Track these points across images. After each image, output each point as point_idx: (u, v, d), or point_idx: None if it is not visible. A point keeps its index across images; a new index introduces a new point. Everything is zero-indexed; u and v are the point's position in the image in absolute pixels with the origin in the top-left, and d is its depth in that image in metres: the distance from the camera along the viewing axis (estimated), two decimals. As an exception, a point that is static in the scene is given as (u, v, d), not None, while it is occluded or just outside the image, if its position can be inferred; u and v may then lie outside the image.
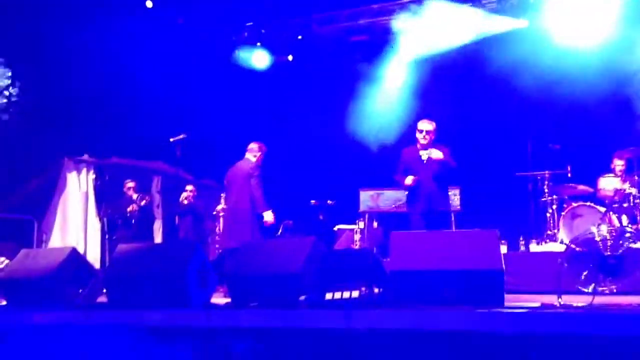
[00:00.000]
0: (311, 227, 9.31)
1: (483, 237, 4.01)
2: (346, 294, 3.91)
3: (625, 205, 6.94)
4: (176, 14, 9.50)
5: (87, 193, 9.66)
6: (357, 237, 9.44)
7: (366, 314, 3.50)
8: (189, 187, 8.99)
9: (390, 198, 9.43)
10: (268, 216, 6.85)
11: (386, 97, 9.63)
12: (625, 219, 6.95)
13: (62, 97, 8.75)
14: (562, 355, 3.00)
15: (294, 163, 10.19)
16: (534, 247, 7.57)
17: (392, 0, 9.53)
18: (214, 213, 8.99)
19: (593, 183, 7.70)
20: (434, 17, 8.98)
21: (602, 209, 7.15)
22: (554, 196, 7.91)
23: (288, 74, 10.81)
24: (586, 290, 3.90)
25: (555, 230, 7.68)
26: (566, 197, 7.86)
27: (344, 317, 3.46)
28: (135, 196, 8.56)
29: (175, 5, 9.53)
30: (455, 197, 8.86)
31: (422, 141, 6.49)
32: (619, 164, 7.62)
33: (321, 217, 9.69)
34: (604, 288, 3.85)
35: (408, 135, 6.88)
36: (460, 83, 9.40)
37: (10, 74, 8.60)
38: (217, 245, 8.90)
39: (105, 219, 8.90)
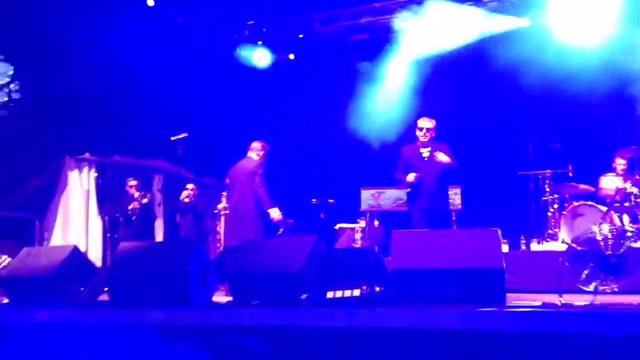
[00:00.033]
0: (312, 226, 9.32)
1: (484, 235, 4.01)
2: (347, 293, 3.91)
3: (626, 204, 6.93)
4: (177, 13, 9.50)
5: (88, 191, 9.67)
6: (358, 235, 9.45)
7: (367, 312, 3.51)
8: (190, 186, 9.00)
9: (391, 197, 9.43)
10: (275, 213, 6.89)
11: (387, 96, 9.62)
12: (626, 218, 6.94)
13: (64, 95, 8.75)
14: (563, 355, 3.00)
15: (295, 162, 10.19)
16: (535, 246, 7.57)
17: (393, -1, 9.54)
18: (215, 212, 9.00)
19: (594, 182, 7.70)
20: (435, 16, 8.98)
21: (604, 208, 7.14)
22: (555, 195, 7.91)
23: (289, 72, 10.81)
24: (587, 289, 3.90)
25: (557, 230, 7.67)
26: (567, 196, 7.86)
27: (345, 316, 3.46)
28: (137, 194, 8.57)
29: (177, 4, 9.53)
30: (456, 195, 8.86)
31: (422, 139, 6.51)
32: (620, 163, 7.61)
33: (322, 216, 9.70)
34: (605, 287, 3.84)
35: (409, 134, 6.88)
36: (462, 82, 9.39)
37: (11, 72, 8.61)
38: (218, 244, 8.91)
39: (106, 218, 8.91)
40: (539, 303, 3.81)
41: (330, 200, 9.72)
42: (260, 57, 10.64)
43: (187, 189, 8.98)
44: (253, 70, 10.61)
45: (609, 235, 3.86)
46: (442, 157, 6.32)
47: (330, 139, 9.82)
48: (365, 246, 9.00)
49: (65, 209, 9.41)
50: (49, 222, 9.19)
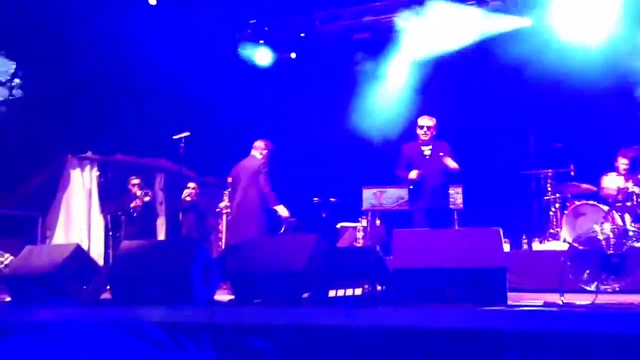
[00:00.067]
0: (314, 225, 9.32)
1: (486, 235, 4.01)
2: (349, 292, 3.92)
3: (628, 204, 6.92)
4: (180, 11, 9.50)
5: (90, 190, 9.69)
6: (359, 234, 9.45)
7: (369, 311, 3.51)
8: (191, 185, 9.00)
9: (393, 196, 9.43)
10: (281, 210, 6.95)
11: (389, 95, 9.62)
12: (628, 218, 6.93)
13: (66, 94, 8.76)
14: (564, 354, 3.01)
15: (297, 161, 10.19)
16: (536, 246, 7.57)
17: (395, -2, 9.53)
18: (217, 210, 9.00)
19: (596, 182, 7.69)
20: (436, 15, 8.97)
21: (605, 208, 7.14)
22: (557, 195, 7.91)
23: (291, 71, 10.81)
24: (589, 288, 3.90)
25: (558, 229, 7.67)
26: (569, 196, 7.85)
27: (346, 315, 3.47)
28: (139, 193, 8.58)
29: (179, 3, 9.53)
30: (458, 195, 8.86)
31: (423, 137, 6.53)
32: (623, 163, 7.60)
33: (324, 215, 9.70)
34: (607, 287, 3.84)
35: (411, 133, 6.89)
36: (464, 81, 9.38)
37: (13, 68, 8.61)
38: (220, 243, 8.92)
39: (108, 216, 8.93)
40: (540, 302, 3.82)
41: (332, 199, 9.73)
42: (262, 56, 10.64)
43: (188, 187, 8.98)
44: (255, 69, 10.62)
45: (611, 235, 3.86)
46: (450, 163, 6.36)
47: (332, 138, 9.82)
48: (366, 245, 9.00)
49: (67, 208, 9.42)
50: (51, 221, 9.21)
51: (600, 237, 3.87)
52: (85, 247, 7.41)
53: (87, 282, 4.82)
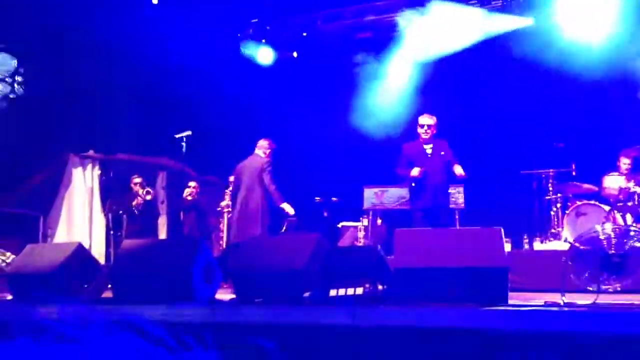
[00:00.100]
0: (315, 224, 9.32)
1: (487, 234, 4.01)
2: (350, 291, 3.92)
3: (629, 204, 6.92)
4: (182, 10, 9.50)
5: (92, 189, 9.70)
6: (361, 234, 9.45)
7: (370, 310, 3.52)
8: (192, 184, 9.01)
9: (394, 195, 9.43)
10: (288, 208, 7.01)
11: (391, 95, 9.61)
12: (629, 218, 6.93)
13: (68, 92, 8.77)
14: (565, 354, 3.01)
15: (298, 160, 10.19)
16: (537, 245, 7.56)
17: (397, -3, 9.52)
18: (218, 209, 9.01)
19: (598, 181, 7.68)
20: (439, 15, 8.96)
21: (607, 208, 7.13)
22: (559, 194, 7.90)
23: (292, 70, 10.81)
24: (590, 288, 3.90)
25: (560, 229, 7.67)
26: (570, 196, 7.85)
27: (347, 314, 3.47)
28: (141, 191, 8.59)
29: (181, 2, 9.53)
30: (459, 194, 8.86)
31: (424, 136, 6.56)
32: (625, 163, 7.59)
33: (325, 214, 9.70)
34: (608, 286, 3.84)
35: (413, 133, 6.90)
36: (465, 80, 9.38)
37: (15, 65, 8.60)
38: (221, 242, 8.93)
39: (110, 215, 8.93)
40: (541, 302, 3.82)
41: (334, 199, 9.72)
42: (263, 55, 10.63)
43: (189, 186, 8.99)
44: (256, 69, 10.61)
45: (612, 235, 3.85)
46: (458, 170, 6.37)
47: (334, 137, 9.82)
48: (368, 244, 9.00)
49: (69, 206, 9.43)
50: (53, 219, 9.22)
51: (602, 237, 3.87)
52: (86, 246, 7.42)
53: (88, 281, 4.83)
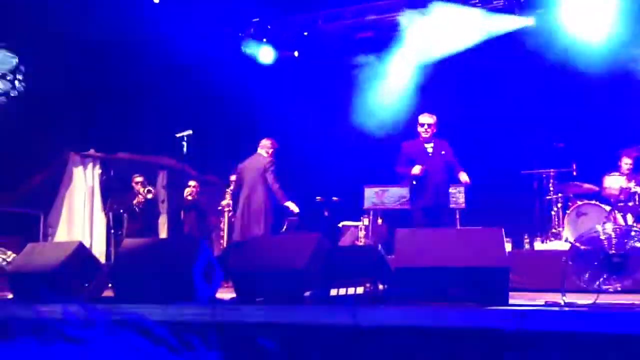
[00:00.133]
0: (316, 224, 9.32)
1: (488, 234, 4.01)
2: (351, 291, 3.92)
3: (630, 204, 6.93)
4: (183, 9, 9.50)
5: (93, 188, 9.70)
6: (361, 233, 9.45)
7: (370, 310, 3.52)
8: (192, 183, 9.01)
9: (395, 195, 9.43)
10: (292, 206, 7.06)
11: (391, 94, 9.61)
12: (630, 218, 6.94)
13: (69, 91, 8.77)
14: (566, 354, 3.01)
15: (299, 159, 10.19)
16: (538, 245, 7.57)
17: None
18: (219, 208, 9.01)
19: (598, 181, 7.68)
20: (440, 14, 8.96)
21: (607, 208, 7.14)
22: (559, 194, 7.91)
23: (294, 70, 10.81)
24: (590, 288, 3.90)
25: (560, 229, 7.67)
26: (571, 195, 7.85)
27: (348, 314, 3.47)
28: (142, 190, 8.60)
29: (182, 1, 9.53)
30: (460, 194, 8.86)
31: (424, 135, 6.57)
32: (627, 163, 7.59)
33: (326, 214, 9.70)
34: (609, 286, 3.84)
35: (413, 133, 6.90)
36: (466, 80, 9.37)
37: (15, 62, 8.60)
38: (221, 241, 8.93)
39: (110, 214, 8.94)
40: (542, 302, 3.82)
41: (334, 198, 9.73)
42: (265, 54, 10.64)
43: (189, 186, 9.00)
44: (257, 68, 10.61)
45: (613, 235, 3.85)
46: (464, 178, 6.38)
47: (334, 136, 9.83)
48: (368, 244, 9.01)
49: (69, 205, 9.44)
50: (53, 218, 9.23)
51: (602, 237, 3.87)
52: (87, 245, 7.42)
53: (89, 280, 4.83)
